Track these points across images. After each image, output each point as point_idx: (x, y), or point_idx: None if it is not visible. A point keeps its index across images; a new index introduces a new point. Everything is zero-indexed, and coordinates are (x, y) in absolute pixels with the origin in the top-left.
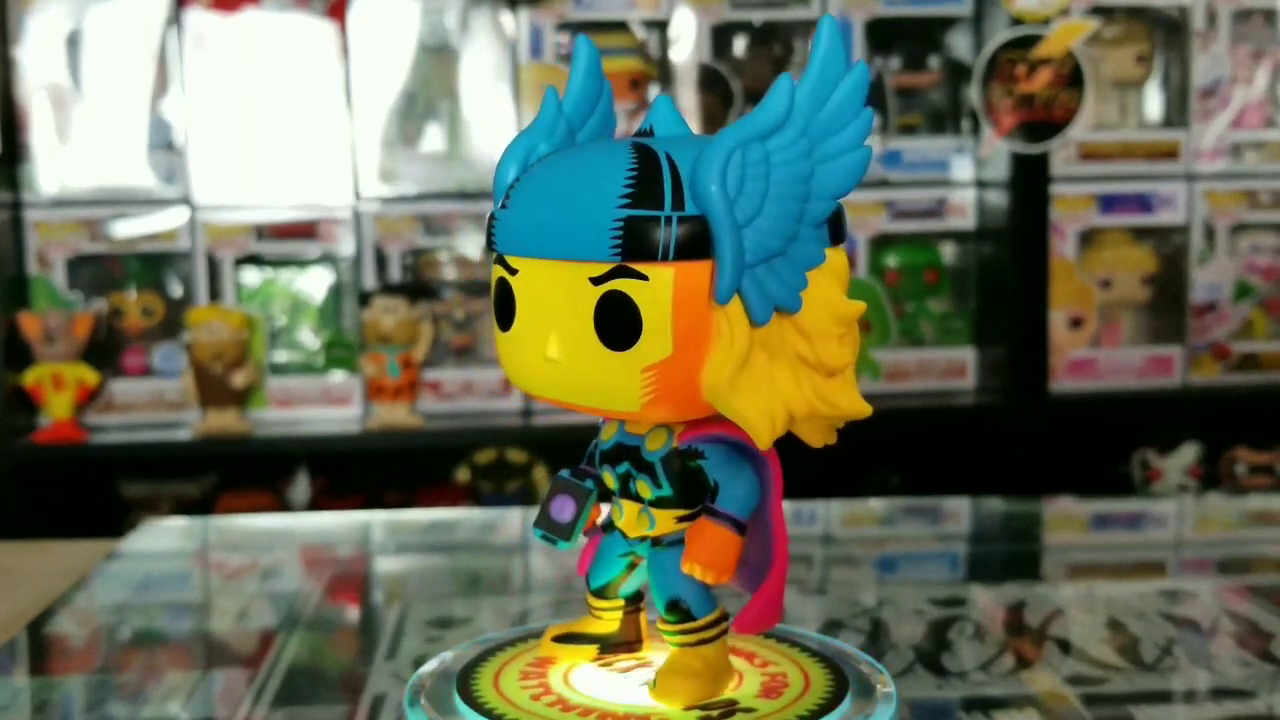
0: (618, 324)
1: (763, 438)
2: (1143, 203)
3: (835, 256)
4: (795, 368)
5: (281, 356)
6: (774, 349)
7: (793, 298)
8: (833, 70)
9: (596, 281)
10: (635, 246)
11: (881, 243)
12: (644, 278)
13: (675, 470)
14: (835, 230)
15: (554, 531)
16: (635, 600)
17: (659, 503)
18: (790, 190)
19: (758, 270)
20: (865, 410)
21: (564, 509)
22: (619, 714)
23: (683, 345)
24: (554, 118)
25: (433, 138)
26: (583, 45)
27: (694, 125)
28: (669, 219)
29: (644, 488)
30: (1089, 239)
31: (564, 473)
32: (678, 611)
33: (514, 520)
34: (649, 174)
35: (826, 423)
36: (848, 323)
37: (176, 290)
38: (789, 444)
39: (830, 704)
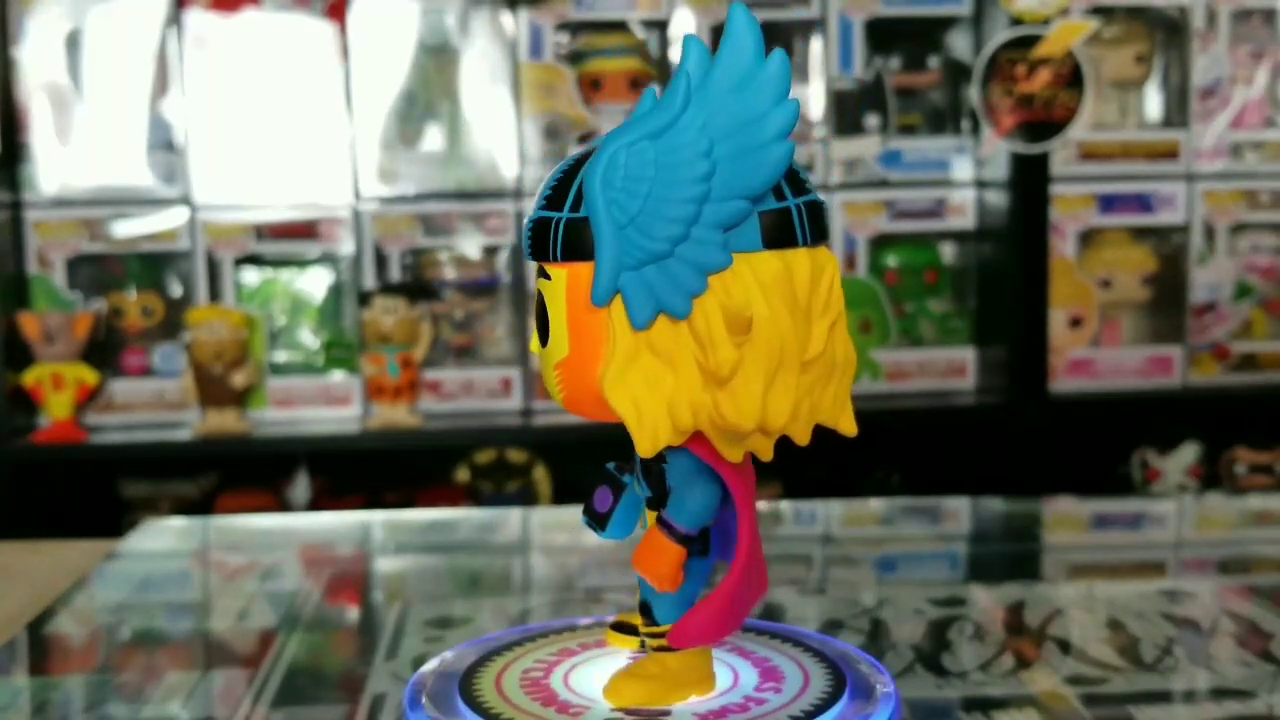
0: (538, 321)
1: (640, 444)
2: (1143, 203)
3: (769, 261)
4: (696, 375)
5: (281, 356)
6: (670, 353)
7: (681, 302)
8: (740, 62)
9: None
10: (536, 247)
11: (881, 243)
12: (549, 278)
13: (652, 472)
14: (778, 233)
15: (594, 520)
16: None
17: (648, 503)
18: (679, 192)
19: (645, 272)
20: (751, 422)
21: (603, 500)
22: (559, 700)
23: (578, 344)
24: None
25: (433, 138)
26: (691, 44)
27: None
28: (558, 220)
29: (637, 486)
30: (1089, 239)
31: (610, 465)
32: (646, 614)
33: (514, 520)
34: (569, 176)
35: (726, 435)
36: (741, 330)
37: (176, 290)
38: (791, 443)
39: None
